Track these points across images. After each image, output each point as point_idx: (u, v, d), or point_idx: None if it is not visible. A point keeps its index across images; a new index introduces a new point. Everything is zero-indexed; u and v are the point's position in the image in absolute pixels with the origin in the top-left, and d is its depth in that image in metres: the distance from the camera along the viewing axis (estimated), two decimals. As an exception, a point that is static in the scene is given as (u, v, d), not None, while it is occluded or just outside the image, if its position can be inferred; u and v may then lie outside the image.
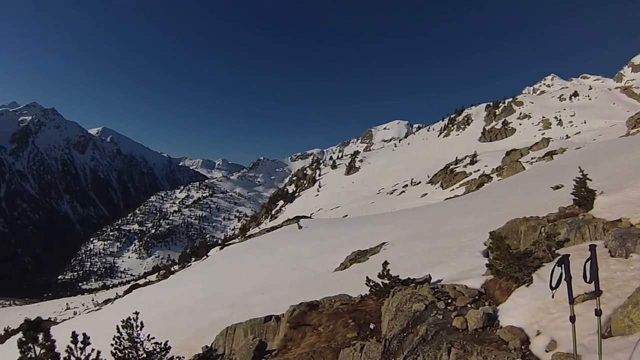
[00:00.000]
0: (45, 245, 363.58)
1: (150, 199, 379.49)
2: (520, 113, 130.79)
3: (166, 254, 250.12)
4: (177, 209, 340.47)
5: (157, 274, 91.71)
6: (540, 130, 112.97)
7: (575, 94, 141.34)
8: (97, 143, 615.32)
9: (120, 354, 12.41)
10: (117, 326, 12.67)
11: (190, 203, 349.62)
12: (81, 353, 10.22)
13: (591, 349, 5.61)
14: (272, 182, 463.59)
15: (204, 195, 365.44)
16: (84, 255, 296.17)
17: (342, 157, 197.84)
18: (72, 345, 10.19)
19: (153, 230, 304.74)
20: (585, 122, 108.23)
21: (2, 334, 55.60)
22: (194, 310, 25.20)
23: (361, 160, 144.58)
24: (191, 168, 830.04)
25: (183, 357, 13.90)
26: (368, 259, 21.19)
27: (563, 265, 5.73)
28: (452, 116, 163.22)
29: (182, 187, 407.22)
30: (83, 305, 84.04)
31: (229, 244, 60.77)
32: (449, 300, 8.85)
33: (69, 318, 56.49)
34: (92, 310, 51.28)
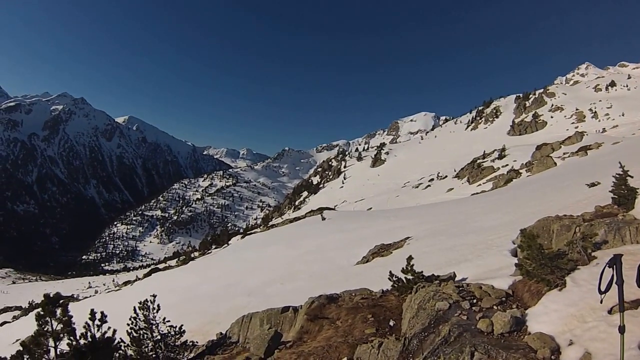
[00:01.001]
0: (71, 227, 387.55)
1: (173, 187, 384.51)
2: (552, 105, 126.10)
3: (187, 241, 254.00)
4: (200, 197, 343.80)
5: (177, 259, 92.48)
6: (573, 123, 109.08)
7: (612, 84, 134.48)
8: (124, 131, 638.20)
9: (135, 334, 12.50)
10: (134, 307, 12.80)
11: (213, 191, 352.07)
12: (98, 330, 10.39)
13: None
14: (297, 172, 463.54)
15: (227, 184, 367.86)
16: (107, 238, 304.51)
17: (367, 148, 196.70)
18: (90, 322, 10.34)
19: (175, 217, 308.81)
20: (623, 115, 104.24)
21: (27, 307, 57.30)
22: (211, 296, 25.07)
23: (387, 153, 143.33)
24: (215, 157, 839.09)
25: (197, 342, 13.89)
26: (391, 253, 20.74)
27: (615, 267, 5.03)
28: (480, 108, 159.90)
29: (205, 176, 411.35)
30: (104, 285, 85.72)
31: (251, 233, 60.78)
32: (474, 301, 8.38)
33: (90, 296, 57.28)
34: (112, 290, 51.97)
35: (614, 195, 12.40)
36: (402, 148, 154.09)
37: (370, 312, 10.87)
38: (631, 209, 10.85)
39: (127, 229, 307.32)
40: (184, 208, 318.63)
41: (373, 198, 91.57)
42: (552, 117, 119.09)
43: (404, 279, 11.25)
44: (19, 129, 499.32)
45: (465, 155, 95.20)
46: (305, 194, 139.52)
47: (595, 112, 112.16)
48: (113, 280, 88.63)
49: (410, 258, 11.40)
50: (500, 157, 76.89)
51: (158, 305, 12.88)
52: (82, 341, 9.86)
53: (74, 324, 9.92)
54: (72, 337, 9.76)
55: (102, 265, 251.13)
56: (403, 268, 11.27)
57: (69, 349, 9.79)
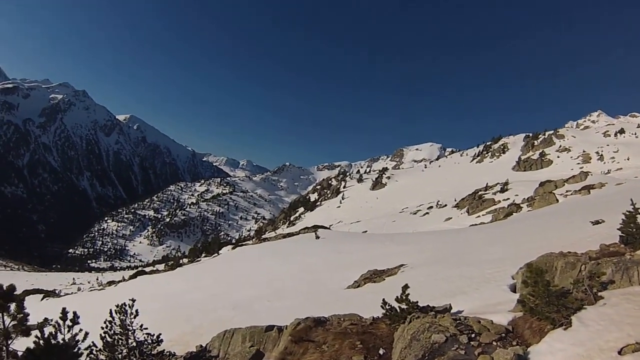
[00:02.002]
0: (60, 216, 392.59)
1: (169, 188, 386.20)
2: (560, 146, 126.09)
3: (177, 245, 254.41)
4: (195, 202, 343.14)
5: (165, 264, 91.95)
6: (579, 164, 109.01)
7: (622, 131, 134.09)
8: (124, 129, 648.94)
9: (109, 339, 12.14)
10: (111, 310, 12.50)
11: (209, 197, 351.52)
12: (68, 331, 9.90)
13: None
14: (295, 188, 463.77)
15: (224, 191, 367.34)
16: (96, 233, 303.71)
17: (369, 172, 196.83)
18: (61, 322, 9.90)
19: (168, 219, 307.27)
20: (628, 159, 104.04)
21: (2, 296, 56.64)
22: (195, 306, 24.69)
23: (389, 177, 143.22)
24: (214, 164, 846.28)
25: (175, 353, 13.55)
26: (384, 279, 20.32)
27: None
28: (488, 143, 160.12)
29: (202, 181, 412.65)
30: (89, 282, 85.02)
31: (242, 245, 60.34)
32: (473, 335, 8.03)
33: (72, 293, 56.90)
34: (94, 289, 51.39)
35: (622, 234, 12.12)
36: (404, 174, 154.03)
37: (359, 338, 10.45)
38: (639, 248, 10.56)
39: (118, 226, 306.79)
40: (177, 211, 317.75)
41: (370, 221, 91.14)
42: (558, 156, 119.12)
43: (397, 308, 10.82)
44: (14, 112, 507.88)
45: (468, 186, 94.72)
46: (301, 209, 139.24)
47: (602, 154, 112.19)
48: (97, 279, 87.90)
49: (406, 287, 10.98)
50: (503, 190, 76.52)
51: (136, 310, 12.54)
52: (41, 342, 9.39)
53: (28, 321, 9.51)
54: (26, 337, 9.31)
55: (89, 261, 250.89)
56: (397, 297, 10.84)
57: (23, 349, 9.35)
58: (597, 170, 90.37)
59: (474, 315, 9.25)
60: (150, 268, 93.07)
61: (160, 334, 12.75)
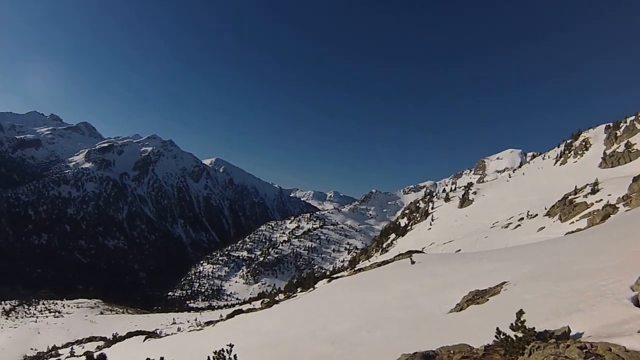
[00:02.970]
0: (158, 264, 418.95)
1: (260, 228, 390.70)
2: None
3: (272, 282, 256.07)
4: (286, 239, 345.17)
5: (261, 301, 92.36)
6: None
7: None
8: (211, 173, 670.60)
9: None
10: (208, 357, 12.12)
11: (300, 234, 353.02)
12: None
13: None
14: (384, 215, 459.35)
15: (315, 226, 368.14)
16: (193, 276, 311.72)
17: (455, 189, 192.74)
18: None
19: (261, 258, 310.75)
20: None
21: (111, 339, 58.65)
22: (293, 343, 24.04)
23: (474, 192, 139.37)
24: (302, 199, 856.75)
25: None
26: (487, 300, 18.95)
27: None
28: (568, 141, 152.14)
29: (292, 218, 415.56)
30: (188, 322, 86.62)
31: (337, 277, 59.61)
32: (607, 367, 6.82)
33: (172, 333, 57.84)
34: (194, 329, 51.96)
35: None
36: (490, 187, 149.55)
37: (473, 374, 9.44)
38: None
39: (213, 268, 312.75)
40: (270, 249, 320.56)
41: (462, 239, 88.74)
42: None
43: (513, 337, 9.67)
44: (111, 169, 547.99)
45: (556, 191, 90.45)
46: (392, 236, 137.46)
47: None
48: (196, 319, 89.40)
49: (520, 313, 9.81)
50: (594, 191, 72.58)
51: (234, 356, 12.02)
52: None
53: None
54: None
55: (187, 302, 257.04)
56: (512, 324, 9.66)
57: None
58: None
59: (600, 339, 8.02)
60: (247, 306, 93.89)
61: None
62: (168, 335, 53.28)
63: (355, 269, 69.99)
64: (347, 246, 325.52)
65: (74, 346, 61.03)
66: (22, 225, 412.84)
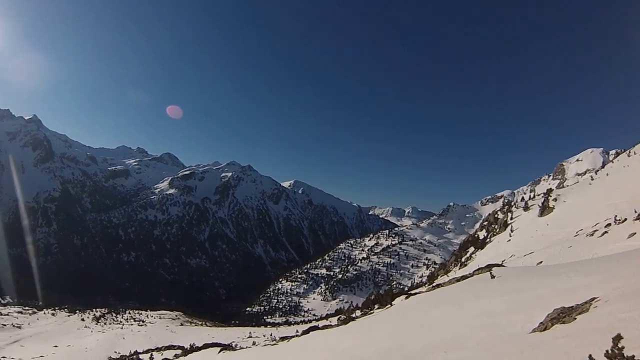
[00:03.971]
0: (238, 281, 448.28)
1: (339, 246, 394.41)
2: None
3: (350, 299, 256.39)
4: (365, 256, 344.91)
5: (337, 317, 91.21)
6: None
7: None
8: (290, 194, 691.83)
9: None
10: None
11: (378, 250, 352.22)
12: None
13: None
14: (463, 228, 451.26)
15: (393, 242, 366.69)
16: (272, 293, 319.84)
17: (533, 197, 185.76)
18: None
19: (340, 276, 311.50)
20: None
21: (187, 348, 59.99)
22: (367, 361, 22.69)
23: (555, 199, 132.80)
24: (381, 216, 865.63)
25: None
26: (575, 319, 16.71)
27: None
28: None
29: (371, 235, 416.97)
30: (263, 336, 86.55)
31: (414, 293, 57.68)
32: None
33: (247, 347, 57.66)
34: (268, 344, 51.37)
35: None
36: (571, 192, 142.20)
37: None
38: None
39: (292, 285, 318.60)
40: (349, 267, 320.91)
41: (543, 250, 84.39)
42: None
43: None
44: (193, 194, 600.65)
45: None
46: (471, 249, 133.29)
47: None
48: (271, 334, 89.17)
49: (618, 338, 8.01)
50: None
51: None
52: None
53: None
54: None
55: (265, 317, 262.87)
56: (607, 351, 7.88)
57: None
58: None
59: None
60: (324, 322, 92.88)
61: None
62: (243, 348, 53.17)
63: (433, 284, 67.72)
64: (426, 261, 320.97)
65: (154, 353, 63.09)
66: (114, 244, 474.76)
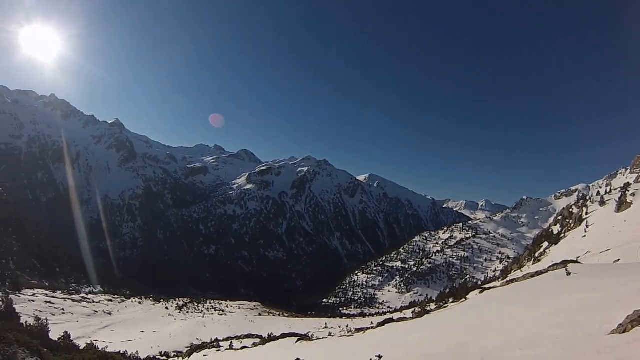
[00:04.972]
0: (315, 273, 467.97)
1: (414, 239, 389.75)
2: None
3: (424, 292, 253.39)
4: (439, 249, 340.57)
5: (412, 310, 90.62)
6: None
7: None
8: (365, 188, 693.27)
9: None
10: None
11: (452, 244, 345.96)
12: None
13: None
14: (536, 222, 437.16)
15: (467, 236, 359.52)
16: (347, 285, 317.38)
17: (610, 191, 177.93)
18: None
19: (415, 268, 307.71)
20: None
21: (265, 337, 61.09)
22: (441, 356, 22.47)
23: (633, 194, 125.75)
24: (454, 210, 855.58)
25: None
26: (658, 322, 15.94)
27: None
28: None
29: (445, 228, 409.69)
30: (339, 327, 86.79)
31: (489, 288, 56.76)
32: None
33: (323, 337, 58.01)
34: (344, 335, 51.62)
35: None
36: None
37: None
38: None
39: (367, 277, 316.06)
40: (423, 260, 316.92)
41: (621, 247, 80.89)
42: None
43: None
44: (270, 189, 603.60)
45: None
46: (545, 244, 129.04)
47: None
48: (347, 326, 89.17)
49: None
50: None
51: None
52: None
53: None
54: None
55: (340, 309, 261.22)
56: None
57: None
58: None
59: None
60: (398, 314, 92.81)
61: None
62: (319, 339, 53.52)
63: (507, 279, 66.42)
64: (499, 255, 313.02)
65: (233, 340, 64.60)
66: (195, 238, 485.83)
